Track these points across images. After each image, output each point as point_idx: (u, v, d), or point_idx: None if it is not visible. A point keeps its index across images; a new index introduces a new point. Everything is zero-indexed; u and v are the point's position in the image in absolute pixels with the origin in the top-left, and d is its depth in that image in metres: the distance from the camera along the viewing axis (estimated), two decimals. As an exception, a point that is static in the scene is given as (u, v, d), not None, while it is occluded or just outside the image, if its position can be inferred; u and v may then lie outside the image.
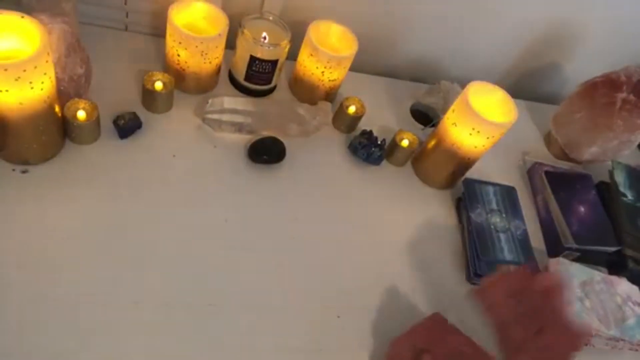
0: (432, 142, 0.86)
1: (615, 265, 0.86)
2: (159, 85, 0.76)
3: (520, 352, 0.56)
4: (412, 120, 0.99)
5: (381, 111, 0.97)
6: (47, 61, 0.57)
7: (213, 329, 0.61)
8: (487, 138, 0.78)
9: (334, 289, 0.70)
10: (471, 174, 0.87)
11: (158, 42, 0.88)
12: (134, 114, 0.74)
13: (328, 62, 0.83)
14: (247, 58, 0.82)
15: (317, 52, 0.82)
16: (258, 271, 0.68)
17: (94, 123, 0.70)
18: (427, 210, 0.85)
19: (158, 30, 0.88)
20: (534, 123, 1.12)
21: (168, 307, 0.61)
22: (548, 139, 1.08)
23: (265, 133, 0.82)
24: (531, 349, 0.55)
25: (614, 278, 0.79)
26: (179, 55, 0.77)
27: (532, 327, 0.56)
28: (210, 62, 0.79)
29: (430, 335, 0.64)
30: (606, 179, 0.97)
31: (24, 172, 0.66)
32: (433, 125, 0.96)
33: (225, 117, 0.80)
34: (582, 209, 0.90)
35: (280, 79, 0.91)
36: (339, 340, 0.66)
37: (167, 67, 0.82)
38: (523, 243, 0.81)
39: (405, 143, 0.87)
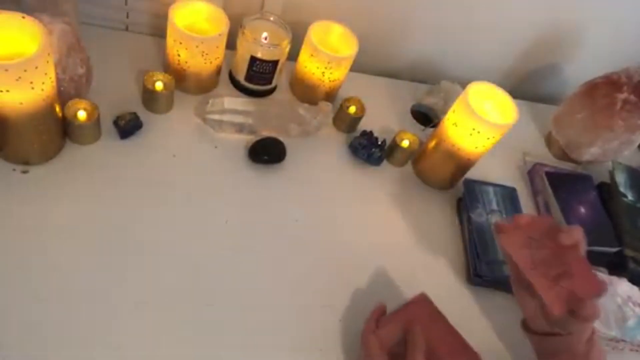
0: (433, 143, 0.86)
1: (616, 266, 0.86)
2: (159, 86, 0.76)
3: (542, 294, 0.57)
4: (413, 120, 0.99)
5: (381, 111, 0.97)
6: (47, 61, 0.57)
7: (212, 329, 0.61)
8: (488, 138, 0.78)
9: (334, 289, 0.70)
10: (471, 174, 0.87)
11: (158, 42, 0.88)
12: (135, 114, 0.74)
13: (328, 63, 0.83)
14: (248, 58, 0.82)
15: (318, 52, 0.82)
16: (258, 271, 0.68)
17: (95, 123, 0.70)
18: (428, 211, 0.85)
19: (158, 30, 0.88)
20: (534, 124, 1.11)
21: (168, 307, 0.61)
22: (548, 140, 1.08)
23: (266, 133, 0.82)
24: (555, 291, 0.57)
25: (614, 278, 0.79)
26: (179, 55, 0.77)
27: (553, 272, 0.58)
28: (210, 63, 0.79)
29: (411, 321, 0.63)
30: (606, 179, 0.97)
31: (24, 172, 0.66)
32: (433, 126, 0.96)
33: (226, 118, 0.80)
34: (582, 209, 0.90)
35: (280, 79, 0.91)
36: (339, 340, 0.66)
37: (167, 67, 0.82)
38: (523, 243, 0.81)
39: (405, 143, 0.87)
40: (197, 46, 0.76)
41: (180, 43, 0.76)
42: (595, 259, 0.86)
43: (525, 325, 0.64)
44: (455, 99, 0.82)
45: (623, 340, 0.74)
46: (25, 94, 0.57)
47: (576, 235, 0.58)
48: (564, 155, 1.03)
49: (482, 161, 0.84)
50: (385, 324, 0.61)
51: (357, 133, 0.88)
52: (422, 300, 0.66)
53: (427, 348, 0.59)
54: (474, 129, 0.77)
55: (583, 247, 0.59)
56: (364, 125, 0.89)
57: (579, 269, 0.58)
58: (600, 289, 0.56)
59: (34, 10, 0.61)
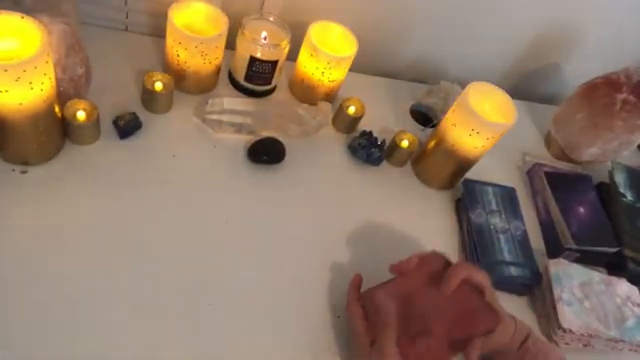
0: (432, 143, 0.86)
1: (615, 266, 0.86)
2: (158, 86, 0.76)
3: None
4: (412, 120, 0.99)
5: (381, 112, 0.97)
6: (47, 62, 0.57)
7: (213, 328, 0.61)
8: (487, 139, 0.78)
9: (334, 289, 0.70)
10: (471, 174, 0.87)
11: (158, 43, 0.87)
12: (134, 114, 0.74)
13: (328, 63, 0.83)
14: (247, 58, 0.82)
15: (317, 52, 0.82)
16: (258, 271, 0.68)
17: (94, 123, 0.70)
18: (427, 211, 0.85)
19: (158, 30, 0.88)
20: (534, 124, 1.12)
21: (168, 307, 0.61)
22: (548, 140, 1.08)
23: (265, 133, 0.82)
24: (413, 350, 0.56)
25: (613, 279, 0.79)
26: (178, 55, 0.77)
27: (413, 330, 0.58)
28: (210, 63, 0.79)
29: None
30: (606, 179, 0.97)
31: (23, 172, 0.66)
32: (433, 126, 0.96)
33: (225, 118, 0.80)
34: (581, 209, 0.90)
35: (280, 79, 0.91)
36: (339, 340, 0.66)
37: (167, 67, 0.82)
38: (523, 244, 0.81)
39: (405, 144, 0.87)
40: (196, 46, 0.76)
41: (180, 43, 0.76)
42: (594, 259, 0.87)
43: None
44: (454, 99, 0.82)
45: (622, 341, 0.74)
46: (25, 94, 0.57)
47: (459, 275, 0.59)
48: (563, 156, 1.04)
49: (482, 161, 0.85)
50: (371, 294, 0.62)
51: (357, 133, 0.88)
52: (416, 268, 0.63)
53: (433, 317, 0.58)
54: (473, 129, 0.77)
55: (477, 278, 0.60)
56: (364, 125, 0.89)
57: (470, 307, 0.58)
58: (489, 327, 0.57)
59: (34, 11, 0.61)
